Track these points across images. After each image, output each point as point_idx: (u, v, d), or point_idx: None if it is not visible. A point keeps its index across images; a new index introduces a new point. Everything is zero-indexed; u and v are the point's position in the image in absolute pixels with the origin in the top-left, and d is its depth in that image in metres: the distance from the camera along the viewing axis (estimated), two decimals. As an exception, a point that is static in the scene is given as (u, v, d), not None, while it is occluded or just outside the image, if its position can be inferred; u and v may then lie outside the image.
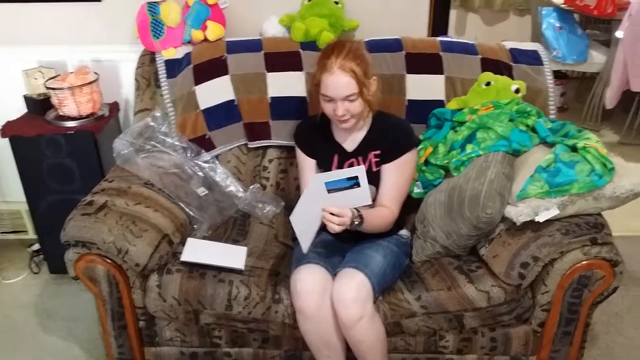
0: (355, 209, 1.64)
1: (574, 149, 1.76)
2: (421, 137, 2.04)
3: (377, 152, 1.81)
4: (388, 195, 1.80)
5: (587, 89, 4.06)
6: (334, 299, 1.63)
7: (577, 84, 4.53)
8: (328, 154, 1.86)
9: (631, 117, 3.76)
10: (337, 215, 1.57)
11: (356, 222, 1.63)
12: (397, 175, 1.80)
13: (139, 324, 1.82)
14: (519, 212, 1.68)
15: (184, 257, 1.77)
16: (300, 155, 1.92)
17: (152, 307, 1.76)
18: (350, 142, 1.84)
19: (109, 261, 1.71)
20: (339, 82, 1.66)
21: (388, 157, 1.79)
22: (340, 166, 1.85)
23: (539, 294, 1.70)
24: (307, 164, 1.91)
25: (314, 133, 1.89)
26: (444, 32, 2.69)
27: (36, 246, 2.61)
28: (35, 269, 2.59)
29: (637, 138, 3.77)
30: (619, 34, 3.45)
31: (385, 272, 1.70)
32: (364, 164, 1.81)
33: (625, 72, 3.45)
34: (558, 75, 4.08)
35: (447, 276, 1.75)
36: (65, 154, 2.27)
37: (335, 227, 1.57)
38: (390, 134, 1.81)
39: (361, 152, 1.83)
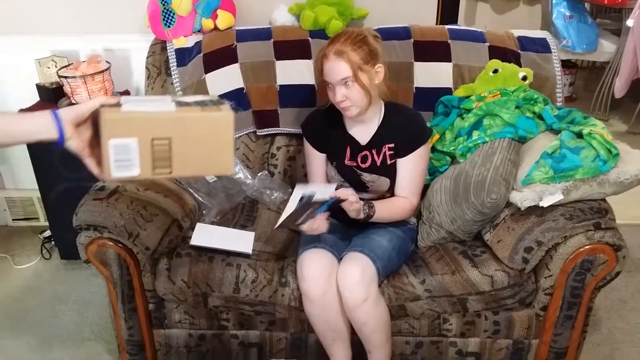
0: (364, 199, 1.68)
1: (579, 135, 1.76)
2: (428, 124, 2.05)
3: (391, 145, 1.81)
4: (405, 187, 1.82)
5: (596, 78, 4.04)
6: (339, 282, 1.66)
7: (586, 74, 4.51)
8: (340, 146, 1.86)
9: (640, 107, 3.75)
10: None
11: (365, 211, 1.69)
12: (413, 168, 1.81)
13: (149, 306, 1.86)
14: (523, 197, 1.69)
15: (194, 241, 1.80)
16: (309, 148, 1.92)
17: (162, 289, 1.79)
18: (363, 135, 1.84)
19: (120, 245, 1.75)
20: (334, 66, 1.69)
21: (403, 151, 1.80)
22: (353, 158, 1.84)
23: (542, 278, 1.72)
24: (315, 156, 1.91)
25: (325, 126, 1.88)
26: (454, 21, 2.69)
27: (47, 233, 2.67)
28: (46, 255, 2.64)
29: (646, 127, 3.76)
30: (629, 22, 3.43)
31: (390, 257, 1.72)
32: (378, 157, 1.82)
33: (635, 61, 3.43)
34: (568, 64, 4.08)
35: (452, 260, 1.77)
36: (77, 141, 2.30)
37: (354, 206, 1.66)
38: (404, 127, 1.80)
39: (375, 145, 1.83)
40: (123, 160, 1.22)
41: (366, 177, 1.84)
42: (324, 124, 1.89)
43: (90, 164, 1.24)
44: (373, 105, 1.79)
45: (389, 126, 1.82)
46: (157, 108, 1.26)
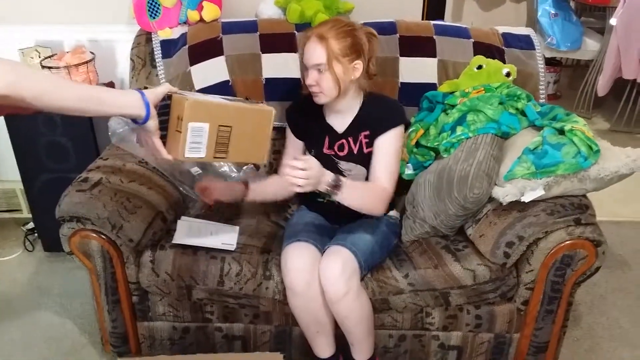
0: (337, 172, 1.63)
1: (561, 131, 1.79)
2: (413, 119, 2.06)
3: (367, 132, 1.82)
4: (379, 171, 1.79)
5: (580, 76, 4.09)
6: (320, 275, 1.66)
7: (570, 72, 4.56)
8: (319, 135, 1.88)
9: (622, 105, 3.80)
10: (302, 169, 1.50)
11: (331, 182, 1.58)
12: (387, 149, 1.79)
13: (132, 299, 1.86)
14: (505, 192, 1.71)
15: (176, 240, 1.79)
16: (288, 134, 1.96)
17: (146, 282, 1.79)
18: (340, 124, 1.86)
19: (103, 237, 1.74)
20: (311, 48, 1.70)
21: (377, 133, 1.80)
22: (331, 147, 1.86)
23: (524, 272, 1.74)
24: (292, 143, 1.95)
25: (306, 114, 1.90)
26: (441, 17, 2.72)
27: (30, 225, 2.64)
28: (29, 247, 2.62)
29: (628, 125, 3.81)
30: (612, 21, 3.47)
31: (373, 250, 1.74)
32: (355, 145, 1.84)
33: (618, 59, 3.48)
34: (552, 62, 4.12)
35: (435, 255, 1.79)
36: (60, 133, 2.29)
37: (298, 182, 1.50)
38: (379, 112, 1.82)
39: (351, 133, 1.84)
40: (195, 143, 1.37)
41: (343, 165, 1.85)
42: (305, 112, 1.90)
43: (158, 143, 1.37)
44: (348, 97, 1.80)
45: (365, 115, 1.83)
46: (218, 99, 1.42)
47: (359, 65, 1.74)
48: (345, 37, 1.70)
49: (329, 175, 1.60)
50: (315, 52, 1.69)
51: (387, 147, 1.80)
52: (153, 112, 1.33)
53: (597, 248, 1.68)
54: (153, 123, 1.34)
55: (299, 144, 1.94)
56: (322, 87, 1.72)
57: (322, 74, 1.71)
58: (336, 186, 1.61)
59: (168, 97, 1.39)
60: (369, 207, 1.76)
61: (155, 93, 1.35)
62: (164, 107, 1.38)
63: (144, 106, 1.31)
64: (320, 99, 1.76)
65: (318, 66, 1.70)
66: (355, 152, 1.83)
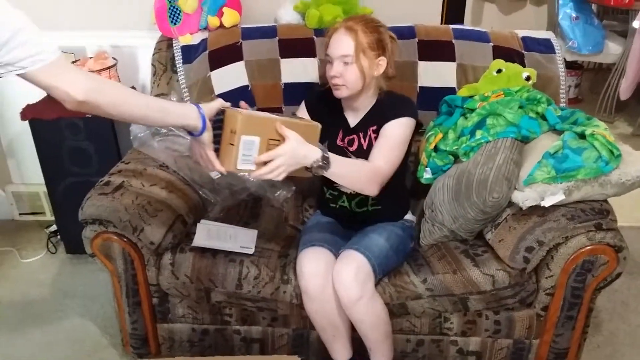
0: (322, 149, 1.55)
1: (582, 136, 1.77)
2: (431, 123, 2.06)
3: (374, 127, 1.81)
4: (375, 152, 1.74)
5: (602, 80, 4.04)
6: (334, 280, 1.67)
7: (592, 75, 4.51)
8: (334, 126, 1.86)
9: (645, 109, 3.75)
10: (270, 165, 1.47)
11: (319, 158, 1.52)
12: (388, 135, 1.75)
13: (153, 300, 1.88)
14: (525, 197, 1.70)
15: (195, 242, 1.81)
16: (304, 112, 1.91)
17: (166, 284, 1.81)
18: (354, 118, 1.86)
19: (125, 239, 1.77)
20: (340, 39, 1.70)
21: (383, 124, 1.78)
22: (343, 140, 1.86)
23: (543, 278, 1.73)
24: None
25: (325, 104, 1.89)
26: (460, 21, 2.71)
27: (53, 227, 2.69)
28: (52, 249, 2.66)
29: (651, 130, 3.76)
30: (635, 24, 3.43)
31: (387, 255, 1.74)
32: (364, 140, 1.83)
33: (640, 63, 3.43)
34: (573, 66, 4.07)
35: (453, 260, 1.78)
36: (83, 137, 2.33)
37: (276, 177, 1.47)
38: (385, 105, 1.81)
39: (361, 128, 1.84)
40: (247, 155, 1.45)
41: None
42: (324, 102, 1.89)
43: (212, 155, 1.46)
44: (366, 95, 1.80)
45: (378, 110, 1.83)
46: (269, 115, 1.51)
47: (382, 62, 1.75)
48: (372, 32, 1.71)
49: (314, 152, 1.51)
50: (343, 42, 1.69)
51: (390, 131, 1.75)
52: (208, 124, 1.43)
53: (618, 254, 1.67)
54: (208, 135, 1.44)
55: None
56: (346, 79, 1.71)
57: (348, 66, 1.70)
58: (324, 160, 1.53)
59: (221, 112, 1.48)
60: (359, 185, 1.68)
61: (209, 107, 1.45)
62: (217, 122, 1.48)
63: (200, 118, 1.40)
64: (342, 92, 1.74)
65: (344, 58, 1.70)
66: (365, 147, 1.83)
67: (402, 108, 1.80)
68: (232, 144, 1.43)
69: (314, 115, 1.90)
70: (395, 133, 1.76)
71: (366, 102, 1.83)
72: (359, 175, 1.68)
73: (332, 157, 1.56)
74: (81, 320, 2.26)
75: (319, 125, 1.59)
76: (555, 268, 1.70)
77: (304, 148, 1.50)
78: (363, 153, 1.82)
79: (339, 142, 1.87)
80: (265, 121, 1.48)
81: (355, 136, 1.85)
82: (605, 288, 1.77)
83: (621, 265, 1.68)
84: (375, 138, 1.81)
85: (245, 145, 1.43)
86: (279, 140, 1.48)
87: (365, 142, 1.84)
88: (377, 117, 1.81)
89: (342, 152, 1.85)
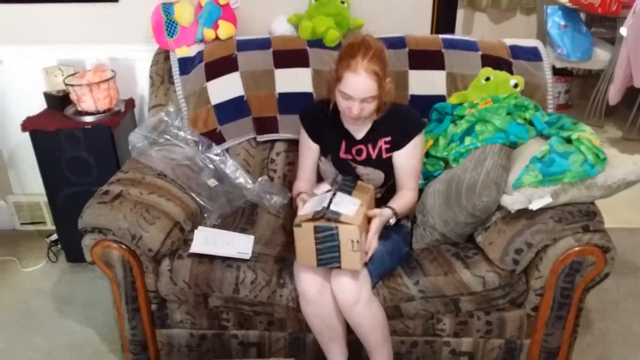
0: (389, 207, 1.80)
1: (568, 140, 1.82)
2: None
3: (388, 138, 1.87)
4: (407, 177, 1.89)
5: (591, 86, 4.11)
6: (332, 283, 1.71)
7: (581, 82, 4.58)
8: (335, 139, 1.91)
9: (634, 113, 3.81)
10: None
11: (392, 221, 1.80)
12: (412, 158, 1.88)
13: (151, 307, 1.92)
14: (513, 201, 1.75)
15: (193, 249, 1.85)
16: (304, 138, 1.97)
17: (164, 290, 1.85)
18: (358, 130, 1.90)
19: (124, 247, 1.81)
20: (363, 83, 1.69)
21: (399, 143, 1.86)
22: (348, 151, 1.90)
23: (533, 279, 1.77)
24: (309, 147, 1.97)
25: (322, 118, 1.93)
26: (451, 31, 2.76)
27: (54, 236, 2.73)
28: (53, 258, 2.70)
29: (640, 134, 3.82)
30: (622, 31, 3.50)
31: (383, 259, 1.78)
32: (374, 150, 1.88)
33: (628, 68, 3.50)
34: (563, 72, 4.15)
35: (445, 262, 1.82)
36: (83, 148, 2.37)
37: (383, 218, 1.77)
38: (398, 120, 1.86)
39: (370, 139, 1.88)
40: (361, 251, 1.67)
41: (360, 170, 1.90)
42: (321, 116, 1.93)
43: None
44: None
45: (384, 121, 1.87)
46: (357, 204, 1.70)
47: (390, 82, 1.78)
48: (384, 61, 1.74)
49: (386, 215, 1.78)
50: (369, 86, 1.70)
51: (413, 156, 1.88)
52: None
53: (606, 254, 1.71)
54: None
55: (315, 148, 1.97)
56: (366, 112, 1.76)
57: (370, 103, 1.74)
58: (395, 216, 1.81)
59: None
60: (408, 213, 1.95)
61: None
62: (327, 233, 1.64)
63: None
64: (361, 122, 1.83)
65: (368, 98, 1.72)
66: (374, 157, 1.88)
67: (412, 125, 1.88)
68: (356, 251, 1.62)
69: (314, 136, 1.95)
70: (418, 156, 1.91)
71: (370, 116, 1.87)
72: (409, 207, 1.91)
73: (397, 208, 1.82)
74: (81, 327, 2.29)
75: (372, 187, 1.83)
76: (544, 269, 1.74)
77: (382, 215, 1.77)
78: (372, 162, 1.88)
79: (342, 155, 1.91)
80: (362, 215, 1.67)
81: (363, 147, 1.89)
82: (595, 288, 1.81)
83: (609, 265, 1.73)
84: (387, 149, 1.87)
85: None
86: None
87: (374, 152, 1.88)
88: (388, 130, 1.86)
89: (347, 164, 1.90)
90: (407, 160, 1.88)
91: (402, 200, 1.88)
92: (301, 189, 1.93)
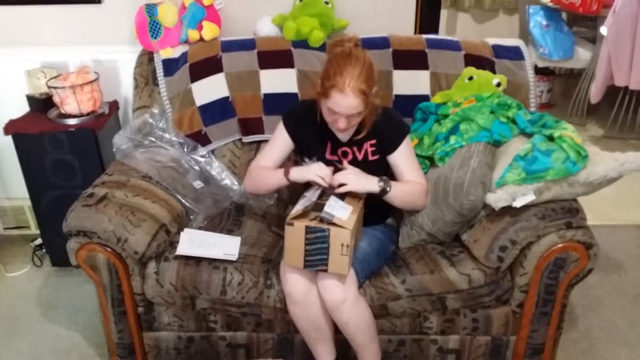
0: (380, 177, 1.79)
1: (551, 138, 1.84)
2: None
3: (373, 141, 1.87)
4: (410, 173, 1.88)
5: (573, 85, 4.17)
6: (318, 284, 1.72)
7: (563, 81, 4.64)
8: (319, 141, 1.90)
9: (615, 111, 3.86)
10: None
11: (381, 182, 1.77)
12: (406, 156, 1.88)
13: (138, 310, 1.91)
14: (497, 198, 1.77)
15: (179, 251, 1.85)
16: (281, 134, 1.93)
17: (151, 293, 1.84)
18: (343, 133, 1.88)
19: (109, 249, 1.80)
20: (349, 102, 1.67)
21: (388, 147, 1.86)
22: (334, 153, 1.89)
23: (518, 276, 1.79)
24: (283, 143, 1.93)
25: (306, 121, 1.90)
26: (435, 31, 2.78)
27: (38, 241, 2.70)
28: (37, 263, 2.68)
29: (622, 131, 3.88)
30: (603, 30, 3.55)
31: (369, 259, 1.79)
32: (359, 153, 1.88)
33: (609, 67, 3.54)
34: (545, 71, 4.19)
35: (431, 260, 1.84)
36: (66, 151, 2.35)
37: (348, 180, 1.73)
38: (383, 124, 1.85)
39: (355, 143, 1.88)
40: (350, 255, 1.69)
41: None
42: (305, 119, 1.90)
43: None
44: None
45: (372, 126, 1.86)
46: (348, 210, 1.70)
47: (376, 90, 1.76)
48: (372, 76, 1.71)
49: (374, 178, 1.77)
50: (355, 104, 1.68)
51: (408, 152, 1.89)
52: None
53: (589, 250, 1.73)
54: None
55: (288, 148, 1.94)
56: (352, 124, 1.77)
57: (355, 117, 1.74)
58: (385, 184, 1.77)
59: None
60: (415, 203, 1.88)
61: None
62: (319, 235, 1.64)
63: None
64: (347, 132, 1.83)
65: (354, 114, 1.72)
66: (360, 158, 1.89)
67: (398, 129, 1.88)
68: (345, 255, 1.64)
69: (296, 137, 1.92)
70: (408, 153, 1.90)
71: None
72: (414, 195, 1.87)
73: (391, 181, 1.80)
74: (67, 331, 2.28)
75: (362, 198, 1.80)
76: (529, 266, 1.76)
77: (366, 176, 1.78)
78: (358, 164, 1.86)
79: (327, 156, 1.91)
80: (354, 221, 1.66)
81: (348, 149, 1.89)
82: (580, 284, 1.84)
83: (592, 261, 1.75)
84: (373, 152, 1.87)
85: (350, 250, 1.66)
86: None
87: (360, 154, 1.89)
88: (373, 132, 1.85)
89: (333, 165, 1.89)
90: (403, 155, 1.87)
91: (406, 184, 1.87)
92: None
